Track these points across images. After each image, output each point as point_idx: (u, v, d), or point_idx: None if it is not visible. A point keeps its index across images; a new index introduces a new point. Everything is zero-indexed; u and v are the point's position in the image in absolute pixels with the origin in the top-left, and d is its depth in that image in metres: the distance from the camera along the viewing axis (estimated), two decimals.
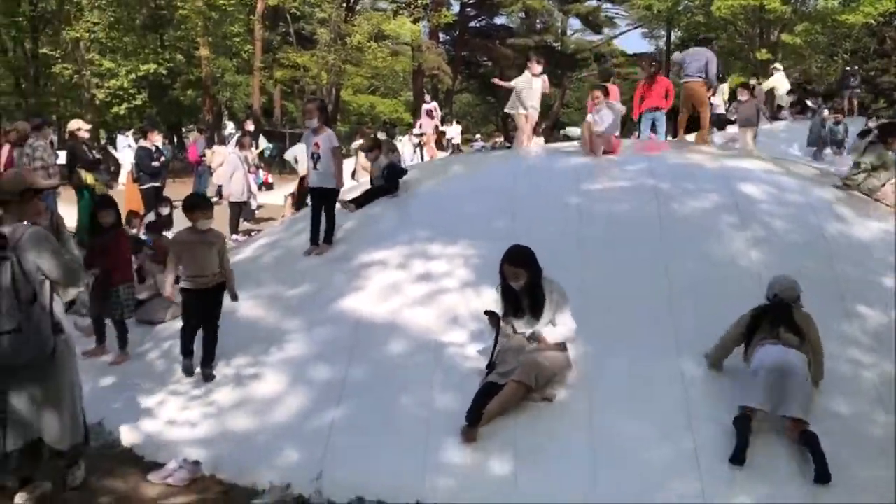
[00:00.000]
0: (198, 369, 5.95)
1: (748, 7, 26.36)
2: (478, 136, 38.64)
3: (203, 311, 5.95)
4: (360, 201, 8.24)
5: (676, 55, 12.55)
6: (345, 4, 28.84)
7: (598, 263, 6.30)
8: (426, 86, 36.19)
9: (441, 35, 38.62)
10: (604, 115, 8.85)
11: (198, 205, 5.99)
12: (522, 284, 5.23)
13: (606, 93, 9.39)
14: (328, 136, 7.40)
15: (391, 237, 7.18)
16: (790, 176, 8.21)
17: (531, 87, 11.05)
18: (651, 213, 6.94)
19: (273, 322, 6.43)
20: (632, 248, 6.51)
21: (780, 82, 20.14)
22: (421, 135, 19.88)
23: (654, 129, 11.45)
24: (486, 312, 5.38)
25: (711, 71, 10.90)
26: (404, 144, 17.29)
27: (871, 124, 14.46)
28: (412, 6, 30.32)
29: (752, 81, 18.93)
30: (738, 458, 4.60)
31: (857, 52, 33.67)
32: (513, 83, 11.34)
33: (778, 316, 5.06)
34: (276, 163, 23.41)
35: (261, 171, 18.75)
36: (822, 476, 4.47)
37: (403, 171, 8.64)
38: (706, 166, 8.24)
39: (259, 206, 15.33)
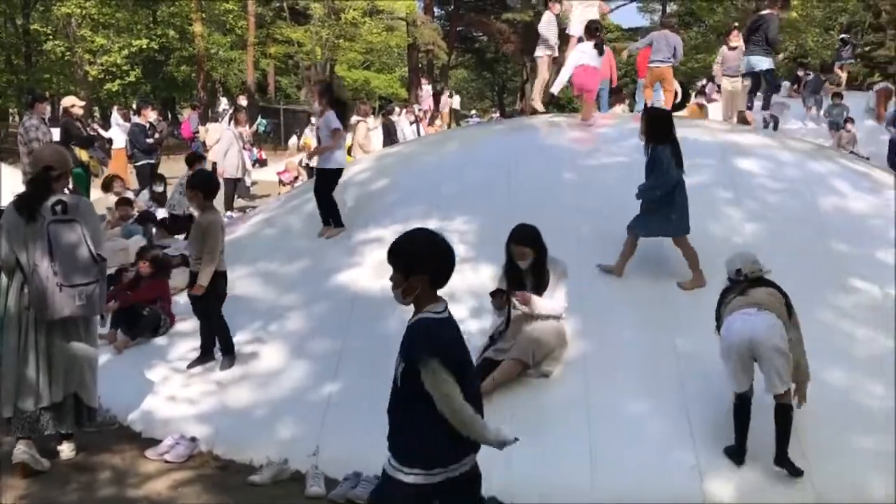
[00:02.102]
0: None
1: None
2: (473, 111, 38.47)
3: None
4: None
5: (644, 39, 12.35)
6: None
7: (594, 239, 6.28)
8: (421, 61, 35.92)
9: (436, 10, 38.25)
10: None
11: (188, 185, 6.00)
12: (528, 264, 5.22)
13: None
14: (325, 119, 7.40)
15: (387, 214, 7.14)
16: (786, 150, 8.17)
17: (554, 26, 11.25)
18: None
19: (271, 298, 6.43)
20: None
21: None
22: (424, 111, 20.10)
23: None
24: (493, 293, 5.32)
25: (679, 54, 11.22)
26: (402, 121, 17.18)
27: None
28: None
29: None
30: (738, 457, 4.50)
31: (852, 25, 33.51)
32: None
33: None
34: (271, 139, 23.30)
35: (254, 149, 18.69)
36: (778, 459, 4.39)
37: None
38: (702, 140, 8.21)
39: (254, 183, 15.28)
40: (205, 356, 5.84)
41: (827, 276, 5.98)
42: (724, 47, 13.00)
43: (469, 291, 5.95)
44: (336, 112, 7.41)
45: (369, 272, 6.35)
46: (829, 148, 12.00)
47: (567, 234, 6.17)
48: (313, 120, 13.47)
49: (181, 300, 6.62)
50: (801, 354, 4.52)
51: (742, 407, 4.47)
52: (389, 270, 2.90)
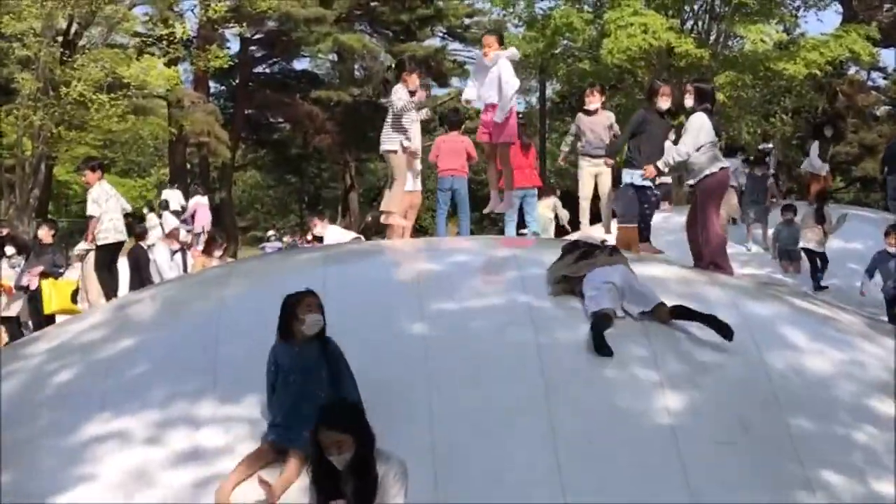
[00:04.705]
0: None
1: (651, 51, 27.50)
2: (270, 232, 38.47)
3: None
4: None
5: None
6: (60, 38, 28.18)
7: (452, 416, 6.44)
8: (191, 159, 36.03)
9: (213, 85, 38.67)
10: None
11: None
12: (347, 460, 5.14)
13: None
14: None
15: (133, 395, 7.00)
16: (715, 284, 8.68)
17: (414, 111, 10.90)
18: (527, 343, 7.15)
19: None
20: (502, 393, 6.71)
21: None
22: (197, 234, 20.17)
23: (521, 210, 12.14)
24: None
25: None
26: (158, 249, 16.94)
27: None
28: (166, 42, 29.76)
29: None
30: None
31: (800, 111, 36.73)
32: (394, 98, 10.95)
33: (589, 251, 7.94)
34: None
35: None
36: (724, 330, 7.10)
37: None
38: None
39: None
40: None
41: (785, 465, 6.32)
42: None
43: None
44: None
45: (107, 491, 6.11)
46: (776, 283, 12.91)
47: (414, 411, 6.25)
48: (8, 251, 13.16)
49: None
50: None
51: (605, 317, 7.19)
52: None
